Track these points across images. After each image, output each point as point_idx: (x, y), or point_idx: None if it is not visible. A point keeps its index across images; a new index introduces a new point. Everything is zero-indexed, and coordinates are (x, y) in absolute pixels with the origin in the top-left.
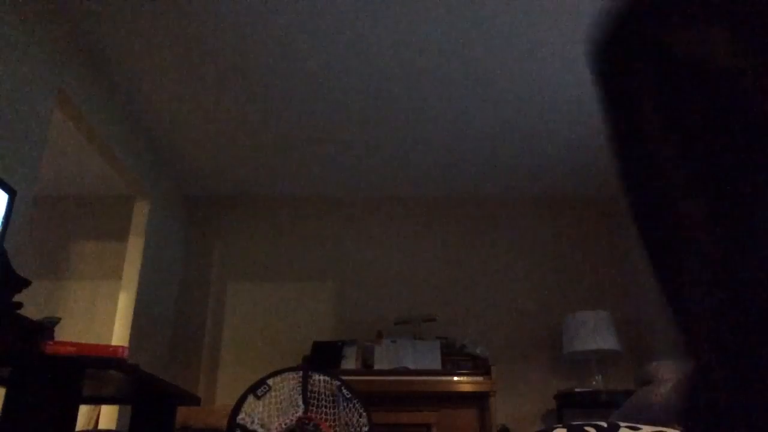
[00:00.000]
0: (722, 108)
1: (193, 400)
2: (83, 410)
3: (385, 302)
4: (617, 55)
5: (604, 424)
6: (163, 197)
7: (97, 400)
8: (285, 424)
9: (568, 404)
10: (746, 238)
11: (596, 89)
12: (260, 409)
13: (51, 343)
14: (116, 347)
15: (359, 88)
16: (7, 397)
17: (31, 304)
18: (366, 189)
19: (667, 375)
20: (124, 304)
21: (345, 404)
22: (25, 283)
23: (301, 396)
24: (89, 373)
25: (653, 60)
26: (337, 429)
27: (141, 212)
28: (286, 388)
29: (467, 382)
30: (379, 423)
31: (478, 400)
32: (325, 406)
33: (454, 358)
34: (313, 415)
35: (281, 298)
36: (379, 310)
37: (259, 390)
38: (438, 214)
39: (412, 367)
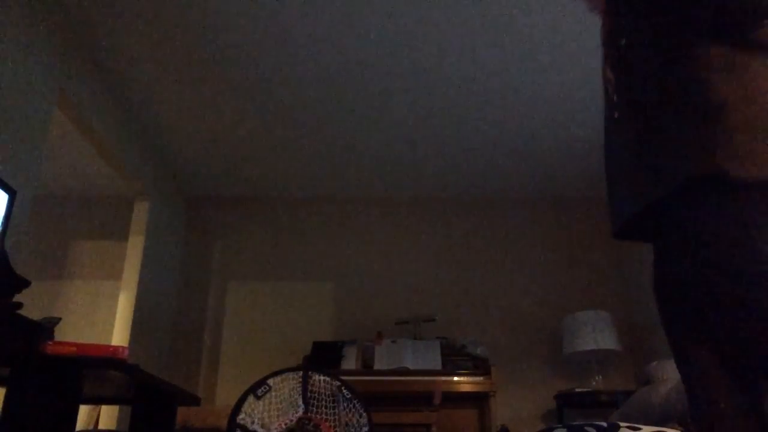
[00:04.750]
0: None
1: (193, 400)
2: (83, 410)
3: (385, 302)
4: None
5: (604, 424)
6: (163, 197)
7: (97, 400)
8: (285, 425)
9: (568, 404)
10: None
11: None
12: (260, 409)
13: (51, 343)
14: (116, 347)
15: (359, 89)
16: (7, 397)
17: (31, 304)
18: (366, 189)
19: (667, 375)
20: (124, 304)
21: (345, 404)
22: (25, 283)
23: (301, 396)
24: (89, 373)
25: None
26: (337, 429)
27: (141, 212)
28: (286, 388)
29: (467, 382)
30: (379, 423)
31: (478, 400)
32: (325, 407)
33: (454, 358)
34: (313, 416)
35: (281, 298)
36: (379, 310)
37: (259, 390)
38: (438, 214)
39: (412, 367)
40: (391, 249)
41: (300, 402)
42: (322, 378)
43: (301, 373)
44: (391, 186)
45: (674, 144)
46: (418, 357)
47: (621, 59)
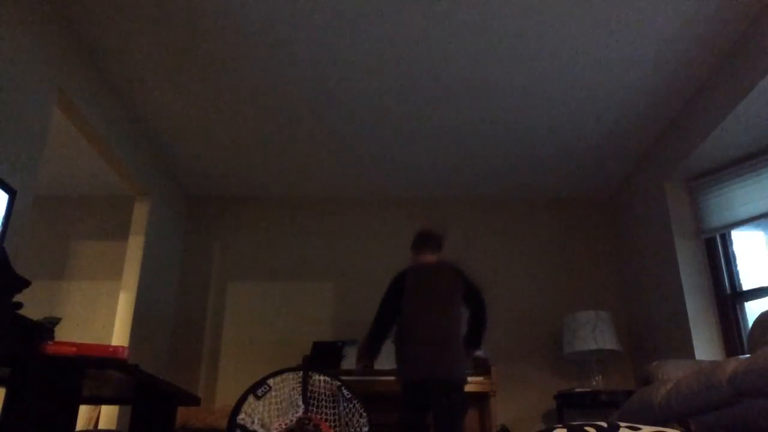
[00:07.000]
0: None
1: (193, 400)
2: (83, 410)
3: None
4: None
5: (604, 424)
6: (164, 197)
7: (97, 400)
8: (285, 424)
9: (568, 404)
10: None
11: None
12: (260, 409)
13: (51, 343)
14: (116, 347)
15: (359, 88)
16: (7, 397)
17: (31, 304)
18: (366, 189)
19: (667, 375)
20: (124, 304)
21: (345, 404)
22: (25, 283)
23: (301, 396)
24: (89, 373)
25: None
26: (337, 429)
27: (141, 212)
28: (286, 388)
29: (467, 382)
30: (379, 423)
31: (478, 400)
32: (325, 407)
33: None
34: (313, 416)
35: (281, 298)
36: None
37: (259, 390)
38: (438, 214)
39: None
40: (391, 249)
41: (300, 402)
42: (322, 378)
43: (301, 373)
44: (391, 186)
45: None
46: None
47: None
